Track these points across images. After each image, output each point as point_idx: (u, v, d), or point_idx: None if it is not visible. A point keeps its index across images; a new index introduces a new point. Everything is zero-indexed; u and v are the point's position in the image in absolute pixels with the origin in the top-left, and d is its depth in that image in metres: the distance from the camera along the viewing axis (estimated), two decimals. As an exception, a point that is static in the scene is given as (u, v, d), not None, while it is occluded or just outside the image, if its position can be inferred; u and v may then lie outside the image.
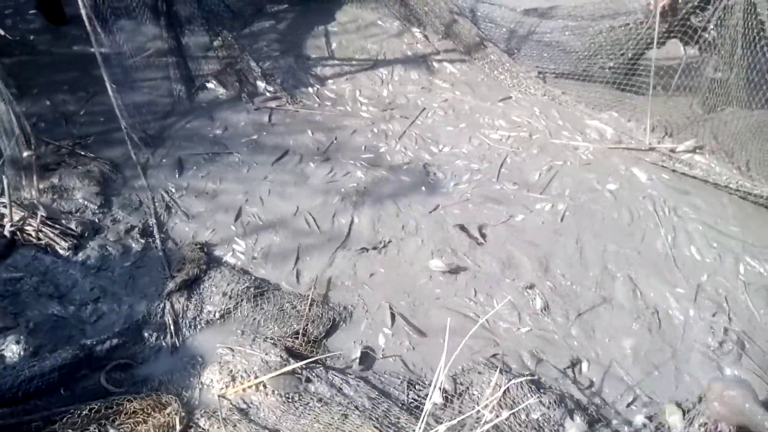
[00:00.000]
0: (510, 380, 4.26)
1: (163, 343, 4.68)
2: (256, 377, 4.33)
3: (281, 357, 4.45)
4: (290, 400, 4.25)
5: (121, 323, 4.79)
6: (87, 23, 5.16)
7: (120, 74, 6.28)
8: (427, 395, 4.23)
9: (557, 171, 6.53)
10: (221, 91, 7.33)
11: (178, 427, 3.96)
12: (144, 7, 6.86)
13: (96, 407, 3.94)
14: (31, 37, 7.75)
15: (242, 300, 4.95)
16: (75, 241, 5.29)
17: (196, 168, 6.30)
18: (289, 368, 4.34)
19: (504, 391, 4.16)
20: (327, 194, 6.12)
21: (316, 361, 4.54)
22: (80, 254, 5.25)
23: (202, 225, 5.72)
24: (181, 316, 4.81)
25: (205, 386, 4.40)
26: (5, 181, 5.19)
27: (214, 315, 4.88)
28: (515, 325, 5.02)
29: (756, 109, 6.58)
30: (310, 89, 7.61)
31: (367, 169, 6.46)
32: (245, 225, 5.75)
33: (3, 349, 4.45)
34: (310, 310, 4.94)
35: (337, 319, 4.98)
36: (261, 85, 7.47)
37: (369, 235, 5.74)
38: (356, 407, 4.16)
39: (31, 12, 8.09)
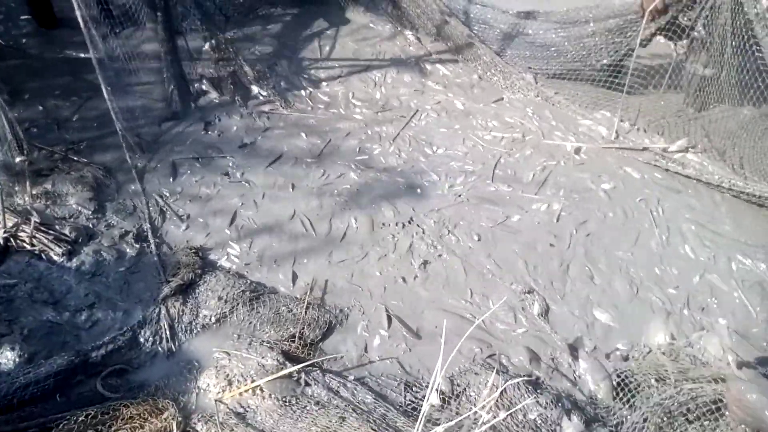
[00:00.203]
0: (507, 381, 4.27)
1: (159, 348, 4.66)
2: (253, 381, 4.32)
3: (278, 360, 4.45)
4: (287, 404, 4.24)
5: (116, 329, 4.77)
6: (82, 26, 5.12)
7: (115, 78, 6.24)
8: (424, 397, 4.25)
9: (551, 171, 6.57)
10: (215, 94, 7.32)
11: (175, 432, 3.95)
12: (139, 11, 6.81)
13: (92, 413, 3.93)
14: (23, 42, 7.72)
15: (238, 304, 4.93)
16: (69, 247, 5.26)
17: (190, 172, 6.29)
18: (285, 372, 4.33)
19: (501, 392, 4.18)
20: (322, 197, 6.12)
21: (312, 365, 4.54)
22: (74, 260, 5.23)
23: (196, 229, 5.70)
24: (176, 320, 4.80)
25: (201, 391, 4.38)
26: (-2, 187, 5.17)
27: (210, 319, 4.86)
28: (511, 326, 5.03)
29: (747, 107, 6.65)
30: (303, 92, 7.61)
31: (362, 171, 6.46)
32: (240, 229, 5.74)
33: (-3, 356, 4.44)
34: (306, 313, 4.94)
35: (333, 322, 4.98)
36: (255, 88, 7.46)
37: (364, 238, 5.74)
38: (354, 410, 4.16)
39: (22, 17, 8.05)
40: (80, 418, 3.88)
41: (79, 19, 5.07)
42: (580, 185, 6.41)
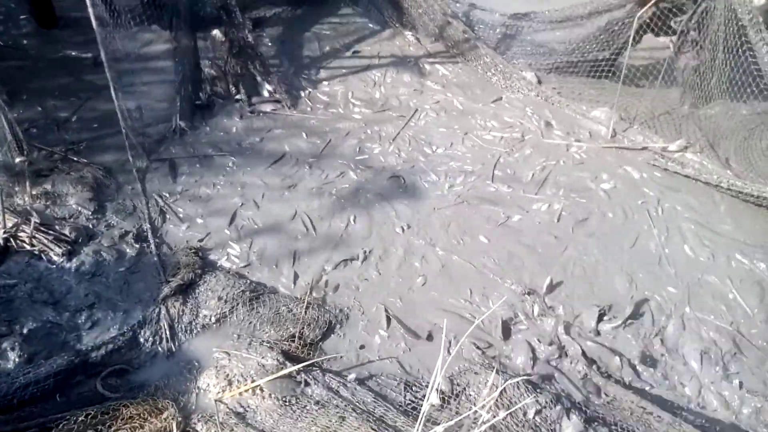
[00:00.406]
0: (506, 380, 4.27)
1: (159, 348, 4.67)
2: (253, 381, 4.32)
3: (278, 360, 4.45)
4: (287, 404, 4.25)
5: (116, 329, 4.77)
6: (95, 24, 5.10)
7: (120, 78, 6.21)
8: (424, 396, 4.25)
9: (551, 171, 6.57)
10: (218, 94, 7.30)
11: (175, 432, 3.95)
12: (145, 12, 6.79)
13: (92, 413, 3.92)
14: (23, 42, 7.72)
15: (238, 304, 4.93)
16: (69, 247, 5.26)
17: (191, 172, 6.29)
18: (285, 371, 4.33)
19: (501, 392, 4.18)
20: (322, 197, 6.13)
21: (312, 364, 4.54)
22: (74, 260, 5.23)
23: (196, 229, 5.70)
24: (176, 320, 4.80)
25: (201, 391, 4.39)
26: (-2, 188, 5.17)
27: (210, 319, 4.86)
28: (512, 326, 5.04)
29: (743, 106, 6.67)
30: (302, 92, 7.61)
31: (361, 171, 6.47)
32: (240, 229, 5.74)
33: (-3, 357, 4.44)
34: (306, 313, 4.94)
35: (333, 322, 4.98)
36: (263, 88, 7.44)
37: (364, 238, 5.75)
38: (353, 409, 4.16)
39: (22, 16, 8.05)
40: (80, 418, 3.88)
41: (92, 18, 5.03)
42: (579, 185, 6.42)
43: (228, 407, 4.24)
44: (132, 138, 6.06)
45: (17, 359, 4.42)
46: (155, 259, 5.34)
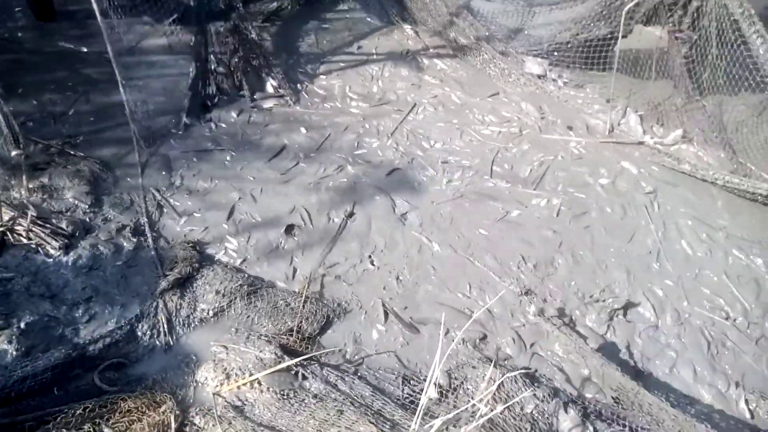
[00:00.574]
0: (504, 374, 4.28)
1: (157, 342, 4.66)
2: (251, 375, 4.33)
3: (276, 354, 4.45)
4: (285, 397, 4.25)
5: (113, 322, 4.77)
6: (99, 16, 5.07)
7: (125, 71, 6.18)
8: (421, 390, 4.26)
9: (549, 166, 6.57)
10: (223, 90, 7.26)
11: (173, 426, 3.95)
12: (146, 6, 6.73)
13: (90, 406, 3.93)
14: (18, 35, 7.67)
15: (236, 298, 4.93)
16: (66, 241, 5.25)
17: (189, 166, 6.27)
18: (283, 365, 4.33)
19: (498, 385, 4.19)
20: (320, 191, 6.12)
21: (310, 358, 4.54)
22: (71, 254, 5.21)
23: (194, 223, 5.69)
24: (174, 314, 4.79)
25: (199, 384, 4.39)
26: (-6, 181, 5.15)
27: (208, 313, 4.86)
28: (508, 320, 5.05)
29: (739, 99, 6.67)
30: (299, 85, 7.58)
31: (360, 165, 6.46)
32: (238, 223, 5.73)
33: (-5, 350, 4.43)
34: (304, 307, 4.94)
35: (331, 316, 4.99)
36: (267, 83, 7.41)
37: (362, 232, 5.74)
38: (351, 403, 4.17)
39: (18, 8, 7.99)
40: (78, 412, 3.88)
41: (96, 12, 5.01)
42: (578, 180, 6.43)
43: (226, 401, 4.25)
44: (135, 131, 6.04)
45: (15, 352, 4.41)
46: (152, 252, 5.33)
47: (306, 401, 4.22)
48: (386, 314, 5.03)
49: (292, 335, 4.74)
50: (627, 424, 4.13)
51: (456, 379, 4.46)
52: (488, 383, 4.25)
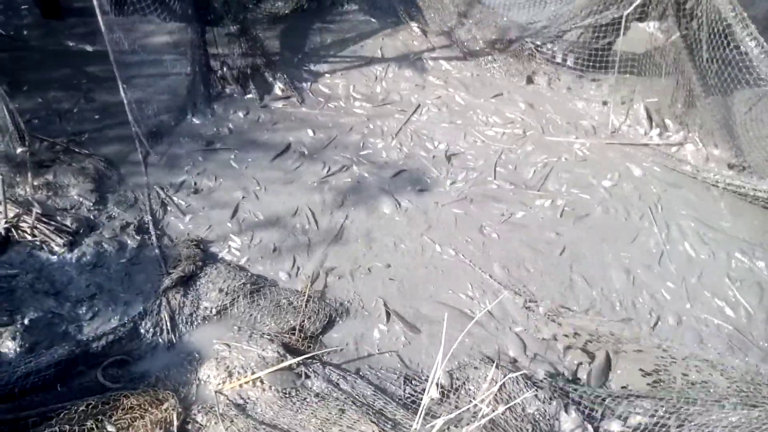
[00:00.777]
0: (506, 375, 4.29)
1: (160, 340, 4.68)
2: (253, 373, 4.34)
3: (278, 353, 4.47)
4: (287, 396, 4.27)
5: (117, 320, 4.79)
6: (99, 15, 5.08)
7: (127, 70, 6.19)
8: (423, 390, 4.27)
9: (552, 167, 6.57)
10: (231, 88, 7.28)
11: (175, 423, 3.96)
12: (154, 4, 6.72)
13: (93, 403, 3.94)
14: (24, 32, 7.70)
15: (239, 296, 4.95)
16: (70, 238, 5.27)
17: (194, 165, 6.28)
18: (286, 364, 4.35)
19: (500, 386, 4.19)
20: (324, 191, 6.13)
21: (313, 357, 4.56)
22: (75, 251, 5.23)
23: (198, 222, 5.71)
24: (177, 312, 4.81)
25: (202, 382, 4.40)
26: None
27: (211, 311, 4.88)
28: (511, 322, 5.06)
29: (735, 99, 6.66)
30: (304, 85, 7.59)
31: (364, 165, 6.47)
32: (242, 222, 5.75)
33: (-1, 346, 4.45)
34: (306, 306, 4.95)
35: (333, 315, 5.00)
36: (273, 83, 7.42)
37: (365, 232, 5.75)
38: (353, 402, 4.18)
39: (24, 6, 8.02)
40: (81, 408, 3.89)
41: (96, 9, 5.02)
42: (582, 181, 6.42)
43: (228, 399, 4.26)
44: (138, 129, 6.06)
45: (19, 349, 4.44)
46: (156, 250, 5.35)
47: (308, 400, 4.23)
48: (388, 314, 5.04)
49: (294, 334, 4.75)
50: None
51: (458, 379, 4.47)
52: (490, 384, 4.25)
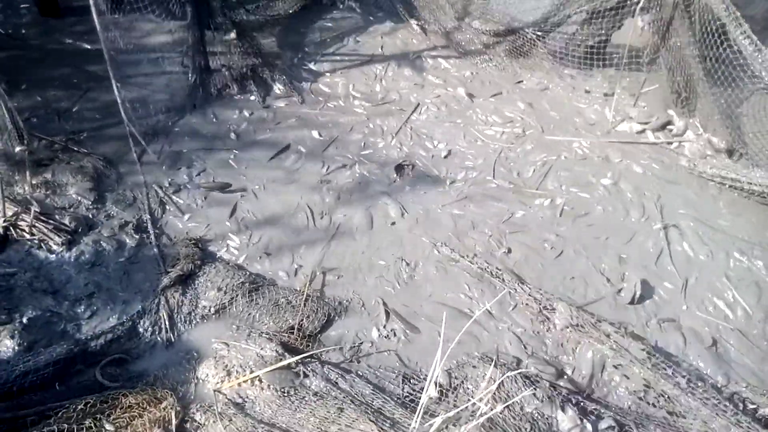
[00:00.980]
0: (504, 374, 4.29)
1: (158, 338, 4.68)
2: (252, 372, 4.34)
3: (277, 352, 4.47)
4: (286, 395, 4.27)
5: (115, 318, 4.79)
6: (94, 13, 5.08)
7: (125, 68, 6.18)
8: (422, 389, 4.27)
9: (551, 166, 6.57)
10: (231, 87, 7.26)
11: (173, 422, 3.96)
12: (150, 3, 6.71)
13: (91, 402, 3.94)
14: (23, 31, 7.69)
15: (237, 295, 4.95)
16: (69, 237, 5.26)
17: (192, 164, 6.28)
18: (284, 363, 4.35)
19: (498, 385, 4.20)
20: (323, 191, 6.13)
21: (311, 356, 4.56)
22: (74, 250, 5.23)
23: (197, 221, 5.71)
24: (176, 311, 4.81)
25: (200, 381, 4.40)
26: (-2, 177, 5.17)
27: (209, 310, 4.88)
28: (511, 322, 5.06)
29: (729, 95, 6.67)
30: (304, 84, 7.59)
31: (363, 165, 6.47)
32: (240, 221, 5.75)
33: (-3, 345, 4.45)
34: (305, 305, 4.95)
35: (332, 314, 4.99)
36: (273, 82, 7.42)
37: (364, 231, 5.75)
38: (352, 401, 4.18)
39: (23, 5, 8.01)
40: (79, 407, 3.89)
41: (92, 7, 5.01)
42: (581, 180, 6.42)
43: (227, 397, 4.26)
44: (133, 128, 6.05)
45: (17, 347, 4.43)
46: (155, 249, 5.35)
47: (306, 399, 4.23)
48: (387, 313, 5.04)
49: (293, 333, 4.75)
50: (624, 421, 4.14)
51: (456, 378, 4.48)
52: (488, 383, 4.26)
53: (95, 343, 4.49)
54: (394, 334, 4.90)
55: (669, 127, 6.95)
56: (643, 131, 6.98)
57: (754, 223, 5.97)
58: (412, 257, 5.53)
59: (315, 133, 6.83)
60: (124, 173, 6.05)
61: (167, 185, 6.00)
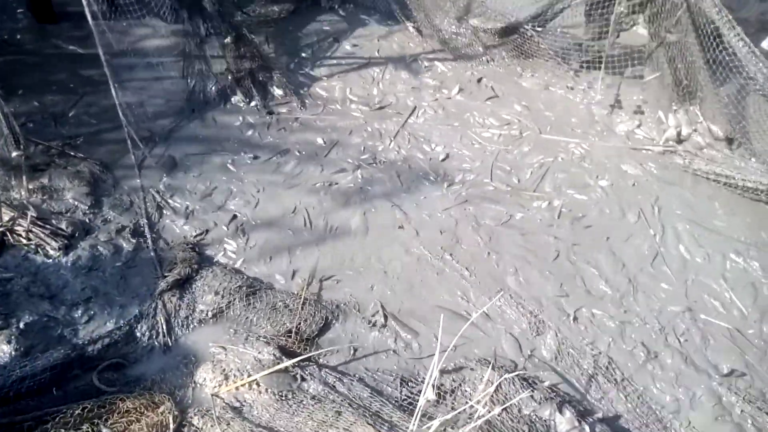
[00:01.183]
0: (502, 376, 4.30)
1: (156, 343, 4.68)
2: (250, 376, 4.34)
3: (274, 355, 4.46)
4: (284, 398, 4.26)
5: (113, 323, 4.78)
6: (90, 19, 5.09)
7: (121, 73, 6.18)
8: (419, 392, 4.27)
9: (549, 167, 6.58)
10: (231, 92, 7.27)
11: (171, 426, 3.96)
12: (147, 8, 6.71)
13: (88, 406, 3.94)
14: (19, 36, 7.69)
15: (235, 299, 4.95)
16: (65, 242, 5.26)
17: (190, 168, 6.28)
18: (282, 366, 4.35)
19: (496, 387, 4.20)
20: (320, 194, 6.13)
21: (309, 360, 4.56)
22: (71, 254, 5.23)
23: (194, 225, 5.70)
24: (173, 315, 4.81)
25: (198, 385, 4.40)
26: (-6, 182, 5.17)
27: (207, 314, 4.87)
28: (509, 324, 5.06)
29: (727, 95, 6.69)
30: (302, 90, 7.59)
31: (361, 169, 6.47)
32: (237, 225, 5.75)
33: (-6, 350, 4.44)
34: (302, 308, 4.95)
35: (329, 318, 4.99)
36: (271, 87, 7.42)
37: (362, 235, 5.75)
38: (350, 404, 4.17)
39: (19, 10, 8.02)
40: (76, 412, 3.89)
41: (87, 14, 5.03)
42: (578, 181, 6.43)
43: (224, 401, 4.26)
44: (132, 133, 6.05)
45: (14, 352, 4.43)
46: (152, 254, 5.35)
47: (304, 402, 4.23)
48: (385, 316, 5.03)
49: (290, 336, 4.75)
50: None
51: (454, 380, 4.48)
52: (486, 385, 4.26)
53: (92, 347, 4.48)
54: (392, 337, 4.90)
55: (665, 127, 6.95)
56: (639, 129, 7.00)
57: (749, 223, 5.99)
58: (409, 260, 5.53)
59: (315, 138, 6.82)
60: (120, 177, 6.05)
61: (164, 189, 5.99)
